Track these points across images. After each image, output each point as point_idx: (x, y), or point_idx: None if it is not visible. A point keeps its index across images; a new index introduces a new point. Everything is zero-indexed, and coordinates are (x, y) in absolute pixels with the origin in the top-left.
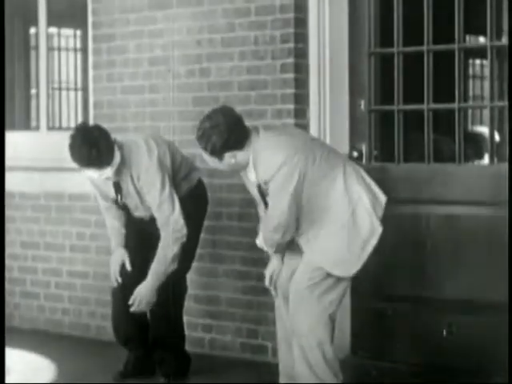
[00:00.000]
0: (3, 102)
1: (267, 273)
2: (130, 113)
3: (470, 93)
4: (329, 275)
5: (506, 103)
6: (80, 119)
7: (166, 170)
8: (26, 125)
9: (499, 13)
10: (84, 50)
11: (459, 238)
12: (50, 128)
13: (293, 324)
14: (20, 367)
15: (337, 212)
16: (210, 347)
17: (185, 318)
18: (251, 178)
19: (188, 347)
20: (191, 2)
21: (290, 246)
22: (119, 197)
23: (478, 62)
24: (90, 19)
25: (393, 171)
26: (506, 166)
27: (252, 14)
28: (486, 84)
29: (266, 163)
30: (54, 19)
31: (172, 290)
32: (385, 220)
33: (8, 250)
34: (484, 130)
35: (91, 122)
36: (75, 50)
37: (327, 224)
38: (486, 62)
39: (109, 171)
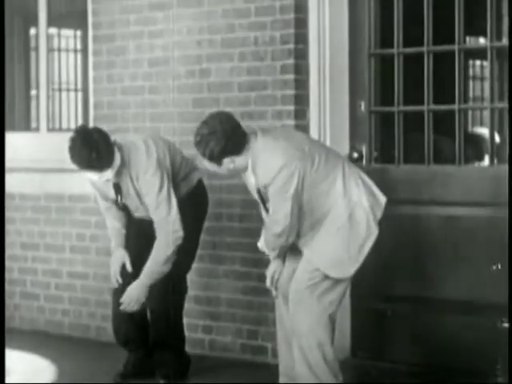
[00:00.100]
0: (3, 102)
1: (268, 273)
2: (130, 114)
3: (470, 94)
4: (328, 276)
5: (506, 104)
6: (80, 120)
7: (164, 170)
8: (26, 126)
9: (499, 14)
10: (84, 50)
11: (459, 239)
12: (50, 129)
13: (293, 324)
14: (20, 368)
15: (335, 214)
16: (210, 348)
17: (185, 319)
18: (251, 182)
19: (188, 348)
20: (191, 3)
21: (290, 248)
22: (119, 198)
23: (478, 63)
24: (90, 20)
25: (393, 172)
26: (506, 167)
27: (252, 14)
28: (486, 85)
29: (265, 167)
30: (54, 20)
31: (172, 291)
32: (385, 221)
33: (8, 251)
34: (484, 131)
35: (91, 122)
36: (75, 50)
37: (326, 225)
38: (486, 63)
39: (109, 173)
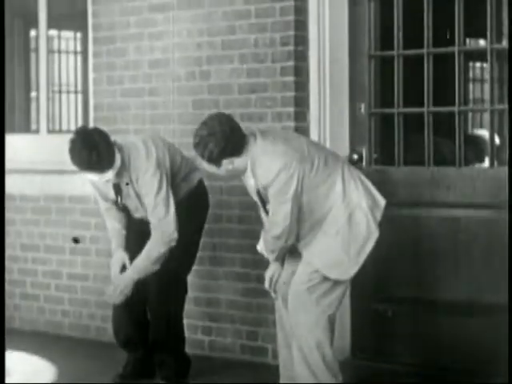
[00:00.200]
0: (3, 104)
1: (267, 276)
2: (130, 115)
3: (470, 96)
4: (327, 277)
5: (506, 106)
6: (80, 122)
7: (164, 171)
8: (26, 127)
9: (499, 16)
10: (84, 52)
11: (459, 241)
12: (50, 131)
13: (292, 325)
14: (20, 369)
15: (335, 215)
16: (210, 349)
17: (185, 320)
18: (250, 183)
19: (188, 349)
20: (191, 5)
21: (289, 250)
22: (119, 198)
23: (478, 64)
24: (90, 21)
25: (393, 174)
26: (505, 169)
27: (252, 16)
28: (486, 87)
29: (265, 168)
30: (54, 21)
31: (172, 293)
32: (385, 223)
33: (8, 252)
34: (484, 133)
35: (91, 124)
36: (75, 52)
37: (325, 227)
38: (486, 65)
39: (110, 174)
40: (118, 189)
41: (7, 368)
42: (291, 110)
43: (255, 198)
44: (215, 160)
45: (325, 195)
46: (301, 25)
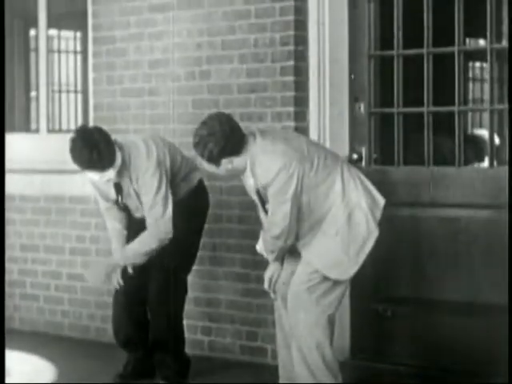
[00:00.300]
0: (3, 104)
1: (266, 276)
2: (130, 115)
3: (470, 96)
4: (327, 277)
5: (505, 106)
6: (80, 121)
7: (164, 171)
8: (25, 127)
9: (499, 15)
10: (84, 52)
11: (459, 241)
12: (50, 130)
13: (292, 326)
14: (20, 369)
15: (334, 215)
16: (210, 349)
17: (185, 321)
18: (250, 183)
19: (188, 349)
20: (191, 5)
21: (289, 250)
22: (120, 198)
23: (477, 64)
24: (90, 21)
25: (392, 174)
26: (505, 168)
27: (252, 16)
28: (486, 87)
29: (264, 168)
30: (54, 21)
31: (173, 293)
32: (384, 222)
33: (8, 253)
34: (484, 132)
35: (91, 124)
36: (75, 52)
37: (325, 227)
38: (486, 65)
39: (111, 173)
40: (118, 188)
41: (7, 368)
42: (291, 109)
43: (254, 197)
44: (215, 159)
45: (324, 195)
46: (300, 25)
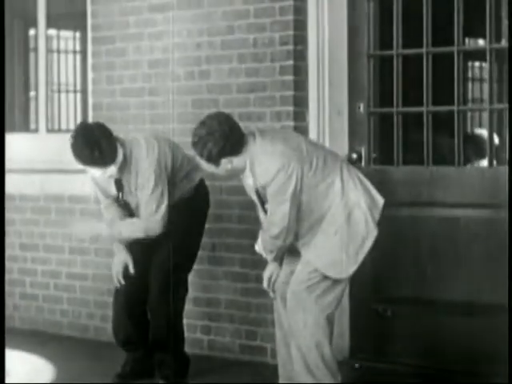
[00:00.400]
0: (3, 104)
1: (265, 275)
2: (130, 115)
3: (470, 95)
4: (326, 276)
5: (505, 106)
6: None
7: (163, 170)
8: (25, 127)
9: (498, 15)
10: (83, 52)
11: (459, 241)
12: (50, 130)
13: (291, 325)
14: (19, 368)
15: (334, 215)
16: (209, 349)
17: (184, 320)
18: (249, 183)
19: (187, 348)
20: (191, 5)
21: (288, 250)
22: (121, 194)
23: (477, 64)
24: (90, 21)
25: (392, 174)
26: (505, 168)
27: (251, 16)
28: (486, 86)
29: (263, 168)
30: (54, 21)
31: (173, 292)
32: (384, 222)
33: (8, 252)
34: (483, 132)
35: None
36: (74, 52)
37: (324, 226)
38: (486, 65)
39: (112, 169)
40: (119, 185)
41: (6, 367)
42: (290, 109)
43: (253, 197)
44: (214, 159)
45: (324, 194)
46: (300, 24)
